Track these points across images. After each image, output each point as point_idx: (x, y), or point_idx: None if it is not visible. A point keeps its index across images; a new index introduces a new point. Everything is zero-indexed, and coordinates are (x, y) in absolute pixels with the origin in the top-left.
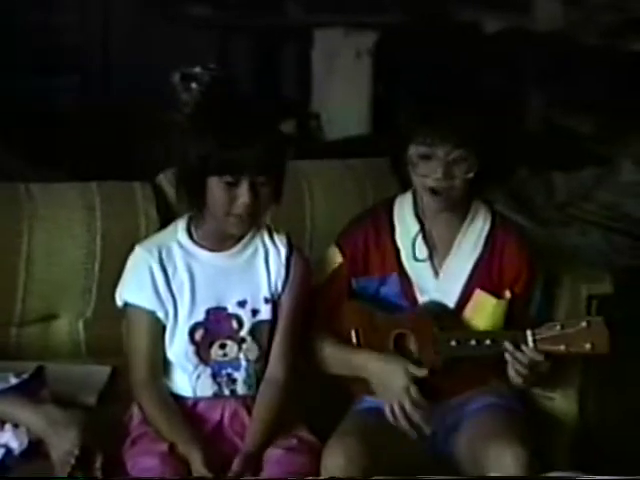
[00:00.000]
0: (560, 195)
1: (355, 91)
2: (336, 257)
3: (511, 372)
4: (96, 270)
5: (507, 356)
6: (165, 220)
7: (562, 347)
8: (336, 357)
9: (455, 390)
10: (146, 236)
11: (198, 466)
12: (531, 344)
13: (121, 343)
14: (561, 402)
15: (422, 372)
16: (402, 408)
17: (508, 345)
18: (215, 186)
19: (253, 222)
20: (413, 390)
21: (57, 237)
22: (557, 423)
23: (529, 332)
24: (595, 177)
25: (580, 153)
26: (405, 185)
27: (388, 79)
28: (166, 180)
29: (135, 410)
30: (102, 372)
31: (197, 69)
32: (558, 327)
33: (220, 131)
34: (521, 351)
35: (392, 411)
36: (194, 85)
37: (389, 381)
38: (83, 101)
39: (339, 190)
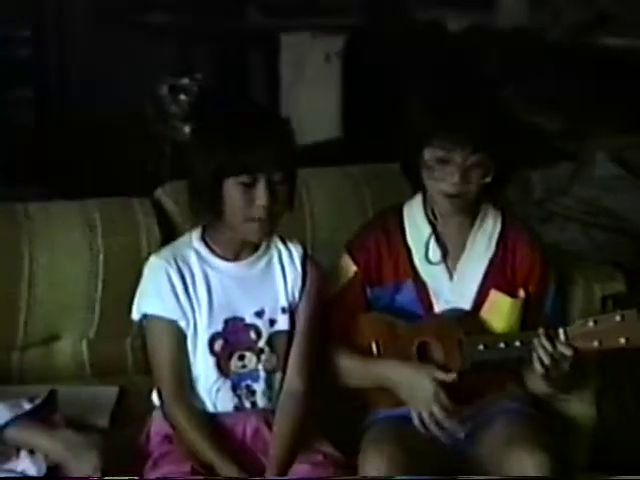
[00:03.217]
0: (537, 192)
1: (325, 95)
2: (350, 266)
3: (539, 370)
4: (99, 289)
5: (540, 353)
6: (166, 235)
7: (595, 343)
8: (356, 369)
9: (473, 396)
10: (148, 252)
11: None
12: (564, 342)
13: (126, 362)
14: (577, 404)
15: (451, 377)
16: (431, 415)
17: (543, 341)
18: (232, 189)
19: (272, 226)
20: (442, 396)
21: (58, 257)
22: (575, 426)
23: (561, 330)
24: (570, 172)
25: (549, 150)
26: (416, 189)
27: (358, 81)
28: (165, 194)
29: (153, 429)
30: (110, 392)
31: (185, 80)
32: (591, 323)
33: (231, 135)
34: (554, 348)
35: (421, 419)
36: (182, 97)
37: (416, 389)
38: (41, 115)
39: (338, 197)
